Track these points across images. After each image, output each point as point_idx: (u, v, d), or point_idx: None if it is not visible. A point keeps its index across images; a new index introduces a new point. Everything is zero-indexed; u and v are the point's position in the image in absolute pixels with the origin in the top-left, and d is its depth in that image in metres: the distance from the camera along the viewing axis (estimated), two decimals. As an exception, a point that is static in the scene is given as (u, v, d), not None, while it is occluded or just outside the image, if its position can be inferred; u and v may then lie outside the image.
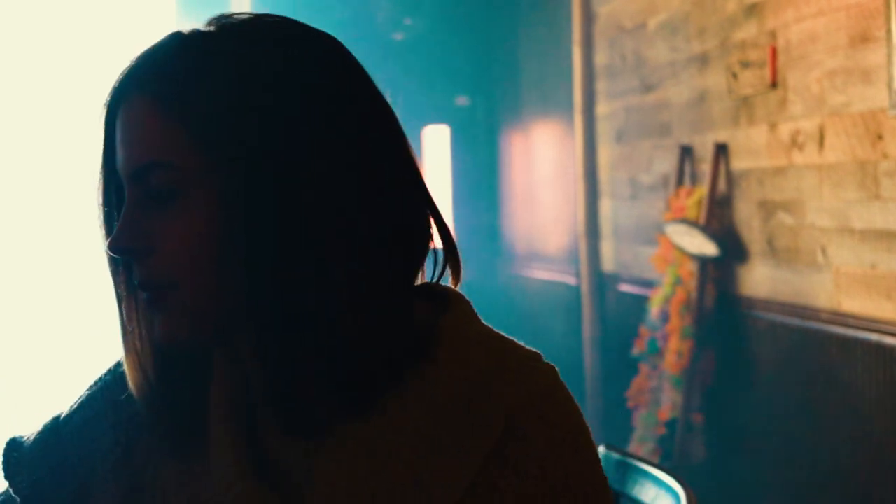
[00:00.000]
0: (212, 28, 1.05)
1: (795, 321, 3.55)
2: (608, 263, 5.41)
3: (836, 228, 3.28)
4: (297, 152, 1.00)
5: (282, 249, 0.99)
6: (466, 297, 1.13)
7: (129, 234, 1.03)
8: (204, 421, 1.09)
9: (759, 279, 3.80)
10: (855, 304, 3.22)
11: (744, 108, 3.84)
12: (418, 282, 1.12)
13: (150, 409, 1.10)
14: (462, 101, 7.17)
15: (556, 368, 1.10)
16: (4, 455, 1.17)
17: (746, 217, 3.87)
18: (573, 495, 1.03)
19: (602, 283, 5.47)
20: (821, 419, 3.42)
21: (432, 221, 1.11)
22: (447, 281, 1.14)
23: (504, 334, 1.11)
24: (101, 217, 1.10)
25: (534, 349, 1.10)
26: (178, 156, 1.01)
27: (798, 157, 3.48)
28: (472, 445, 1.01)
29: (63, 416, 1.19)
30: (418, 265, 1.10)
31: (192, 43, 1.04)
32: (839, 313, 3.29)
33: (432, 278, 1.13)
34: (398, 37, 6.68)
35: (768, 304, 3.73)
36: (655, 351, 4.33)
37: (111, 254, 1.05)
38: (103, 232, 1.09)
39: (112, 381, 1.18)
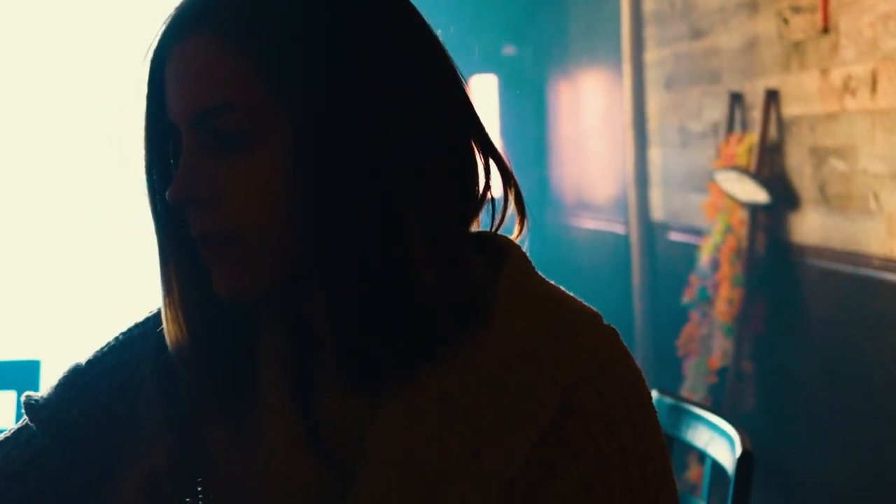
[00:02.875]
0: None
1: (847, 268, 3.52)
2: (657, 212, 5.38)
3: (889, 174, 3.25)
4: (372, 88, 0.96)
5: (354, 197, 0.95)
6: (521, 248, 1.08)
7: (192, 182, 0.97)
8: (249, 381, 1.06)
9: (811, 226, 3.77)
10: (908, 250, 3.19)
11: (795, 53, 3.80)
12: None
13: (188, 367, 1.06)
14: (509, 50, 7.13)
15: (617, 331, 1.04)
16: (26, 401, 1.12)
17: (798, 164, 3.84)
18: (628, 471, 0.99)
19: (651, 231, 5.45)
20: (872, 366, 3.40)
21: (495, 170, 1.07)
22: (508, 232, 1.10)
23: (562, 289, 1.06)
24: (144, 169, 1.04)
25: (593, 308, 1.05)
26: (245, 96, 0.96)
27: (850, 103, 3.44)
28: (528, 421, 0.97)
29: (87, 360, 1.15)
30: (476, 215, 1.07)
31: None
32: (892, 260, 3.26)
33: (491, 227, 1.09)
34: (444, -14, 6.65)
35: (820, 252, 3.70)
36: (706, 299, 4.32)
37: (172, 203, 0.99)
38: (146, 185, 1.04)
39: (154, 328, 1.12)
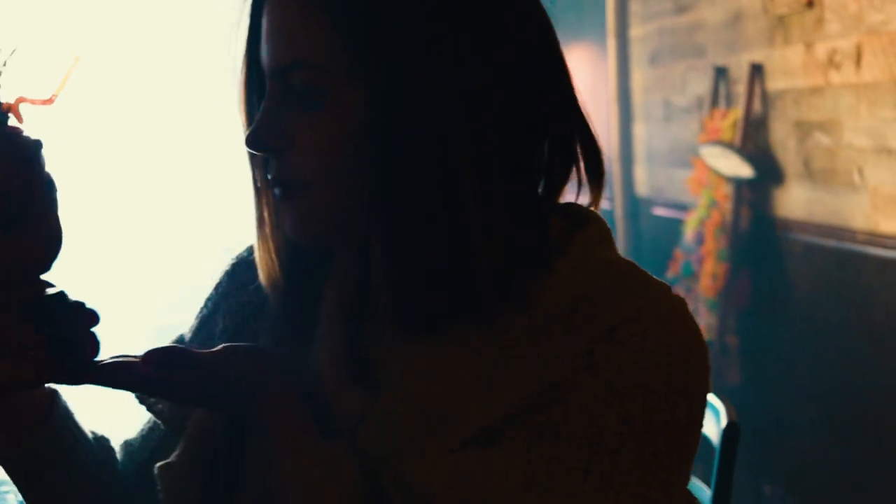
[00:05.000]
0: None
1: (832, 242, 3.53)
2: (642, 187, 5.39)
3: (872, 148, 3.25)
4: (449, 57, 0.97)
5: (415, 161, 0.97)
6: (605, 221, 1.09)
7: (266, 131, 1.03)
8: (315, 315, 1.11)
9: (795, 200, 3.78)
10: (892, 224, 3.19)
11: (779, 27, 3.79)
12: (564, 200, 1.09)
13: (276, 295, 1.13)
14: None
15: (685, 301, 1.02)
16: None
17: (782, 138, 3.84)
18: (634, 410, 0.95)
19: (636, 206, 5.45)
20: (857, 341, 3.41)
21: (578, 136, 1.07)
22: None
23: (636, 263, 1.04)
24: (243, 108, 1.10)
25: (663, 281, 1.03)
26: (322, 56, 0.99)
27: (835, 77, 3.44)
28: (563, 347, 0.97)
29: (186, 332, 1.26)
30: (562, 180, 1.06)
31: None
32: (876, 234, 3.27)
33: (577, 197, 1.10)
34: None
35: (804, 226, 3.71)
36: (690, 274, 4.33)
37: (248, 149, 1.06)
38: (244, 123, 1.10)
39: (237, 265, 1.24)
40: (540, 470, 0.96)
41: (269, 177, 1.06)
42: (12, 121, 0.97)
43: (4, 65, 0.97)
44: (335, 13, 0.98)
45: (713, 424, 1.65)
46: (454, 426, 0.98)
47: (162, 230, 7.92)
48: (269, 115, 1.03)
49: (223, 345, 1.06)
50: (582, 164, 1.08)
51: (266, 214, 1.12)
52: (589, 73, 6.05)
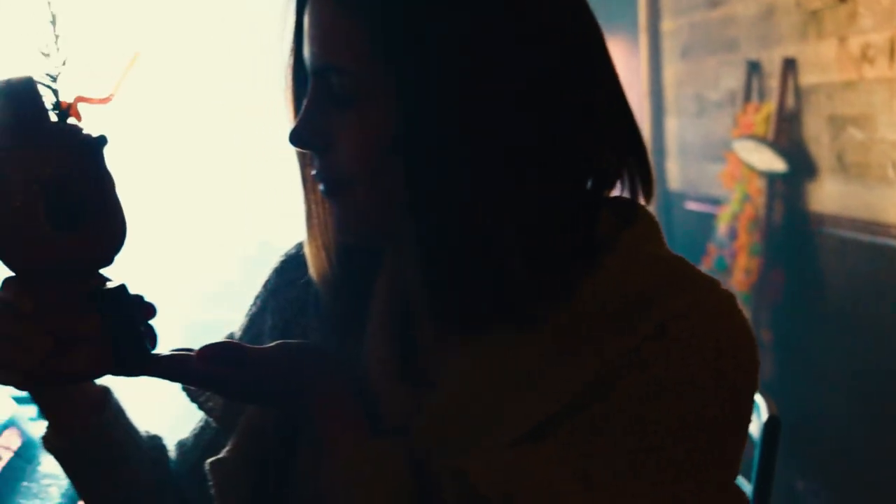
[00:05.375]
0: None
1: (866, 237, 3.52)
2: (675, 182, 5.38)
3: (907, 143, 3.24)
4: (481, 59, 0.97)
5: (448, 165, 0.97)
6: (655, 217, 1.09)
7: (307, 129, 1.05)
8: (365, 314, 1.12)
9: (829, 195, 3.77)
10: (927, 218, 3.19)
11: (812, 21, 3.79)
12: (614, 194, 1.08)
13: (327, 290, 1.15)
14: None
15: (734, 296, 1.02)
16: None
17: (815, 132, 3.83)
18: (683, 406, 0.96)
19: (669, 201, 5.44)
20: (891, 335, 3.40)
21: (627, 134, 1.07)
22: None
23: (686, 259, 1.05)
24: (291, 104, 1.12)
25: (713, 276, 1.03)
26: (355, 61, 1.00)
27: (868, 71, 3.43)
28: (613, 345, 0.97)
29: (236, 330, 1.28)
30: (612, 176, 1.06)
31: None
32: (910, 228, 3.26)
33: (623, 192, 1.09)
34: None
35: (838, 220, 3.70)
36: (723, 268, 4.32)
37: (291, 145, 1.07)
38: (291, 118, 1.11)
39: (286, 262, 1.25)
40: (590, 466, 0.96)
41: (314, 173, 1.08)
42: (71, 120, 0.99)
43: (64, 64, 0.99)
44: (367, 19, 0.99)
45: (754, 418, 1.66)
46: (506, 423, 0.99)
47: (194, 225, 7.94)
48: (311, 113, 1.04)
49: (276, 342, 1.08)
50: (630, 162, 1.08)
51: (314, 211, 1.14)
52: (621, 67, 6.00)
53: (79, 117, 0.99)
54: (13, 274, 0.99)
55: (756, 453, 1.62)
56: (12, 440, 1.89)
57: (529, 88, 0.98)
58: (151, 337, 1.03)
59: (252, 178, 7.57)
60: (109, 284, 1.01)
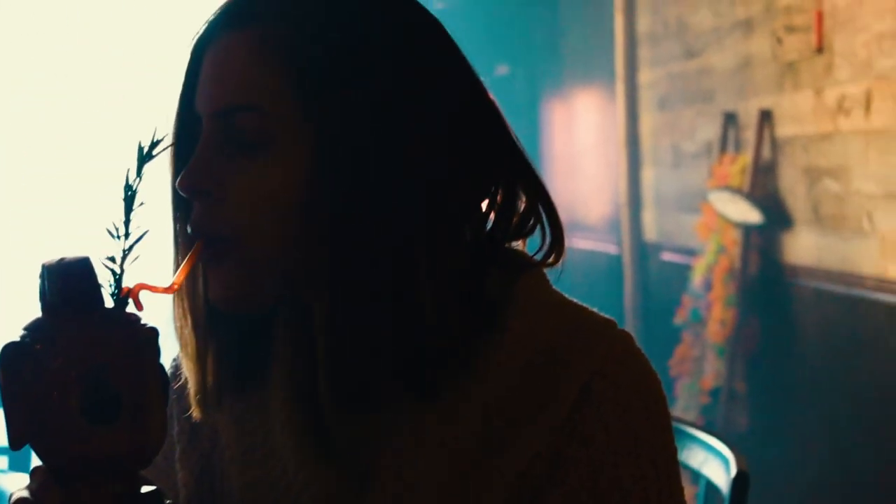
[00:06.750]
0: None
1: (840, 289, 3.51)
2: (650, 232, 5.38)
3: (882, 194, 3.24)
4: (402, 118, 0.95)
5: (367, 219, 0.93)
6: (540, 265, 1.07)
7: (200, 174, 0.97)
8: (262, 388, 1.05)
9: (804, 246, 3.76)
10: (902, 271, 3.18)
11: (788, 73, 3.80)
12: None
13: (193, 369, 1.05)
14: (503, 69, 7.13)
15: (631, 335, 1.03)
16: None
17: (791, 184, 3.83)
18: (640, 462, 0.97)
19: (644, 251, 5.44)
20: (866, 388, 3.38)
21: (525, 192, 1.05)
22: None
23: (577, 301, 1.05)
24: (171, 157, 1.03)
25: (608, 316, 1.04)
26: (271, 101, 0.95)
27: (844, 123, 3.43)
28: (544, 418, 0.97)
29: None
30: (502, 232, 1.04)
31: None
32: (885, 280, 3.25)
33: (537, 254, 1.07)
34: (439, 6, 6.65)
35: (813, 272, 3.69)
36: (698, 319, 4.31)
37: (179, 192, 0.99)
38: (171, 171, 1.03)
39: (179, 365, 1.13)
40: None
41: (192, 228, 0.99)
42: (131, 307, 0.92)
43: (130, 249, 0.91)
44: (284, 56, 0.95)
45: (722, 473, 1.63)
46: None
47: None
48: (204, 157, 0.97)
49: None
50: (544, 217, 1.06)
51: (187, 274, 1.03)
52: (598, 117, 6.06)
53: (139, 306, 0.91)
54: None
55: (725, 508, 1.59)
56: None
57: (450, 133, 0.97)
58: None
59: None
60: (145, 489, 0.92)
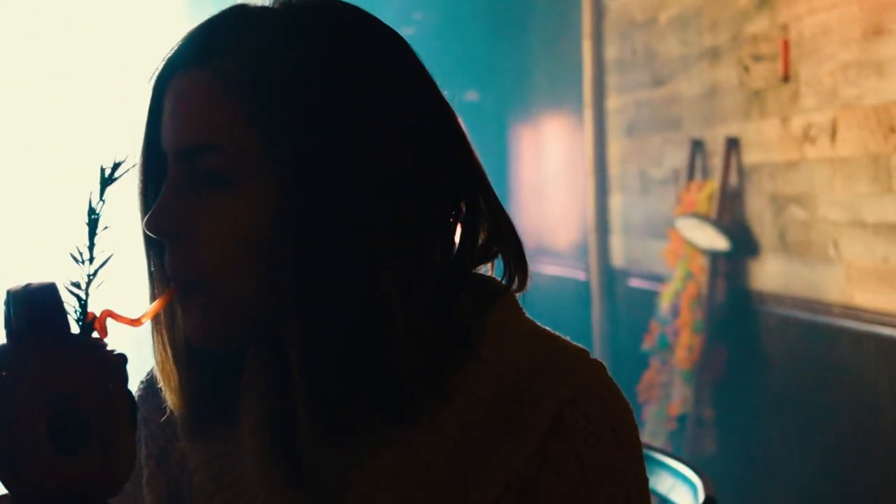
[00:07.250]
0: (277, 6, 0.98)
1: (807, 315, 3.53)
2: (618, 258, 5.39)
3: (847, 222, 3.26)
4: (364, 147, 0.94)
5: (337, 250, 0.93)
6: (511, 292, 1.06)
7: (167, 215, 0.95)
8: (234, 419, 1.04)
9: (771, 273, 3.78)
10: (867, 297, 3.20)
11: (755, 101, 3.82)
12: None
13: (177, 401, 1.05)
14: (471, 95, 7.15)
15: (604, 364, 1.04)
16: None
17: (758, 211, 3.85)
18: (612, 491, 0.98)
19: (612, 278, 5.45)
20: (832, 414, 3.40)
21: (492, 223, 1.05)
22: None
23: (550, 330, 1.06)
24: (139, 194, 1.01)
25: (580, 345, 1.05)
26: (233, 140, 0.94)
27: (810, 151, 3.46)
28: (515, 448, 0.97)
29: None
30: (472, 262, 1.05)
31: (260, 18, 0.97)
32: (851, 307, 3.27)
33: (503, 279, 1.07)
34: (408, 31, 6.65)
35: (780, 299, 3.71)
36: (666, 346, 4.32)
37: (147, 233, 0.98)
38: (141, 208, 1.01)
39: (146, 388, 1.13)
40: None
41: (168, 272, 0.98)
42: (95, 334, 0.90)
43: (95, 273, 0.90)
44: (246, 94, 0.94)
45: (690, 499, 1.63)
46: None
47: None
48: (171, 198, 0.96)
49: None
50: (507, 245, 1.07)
51: (162, 312, 1.02)
52: (565, 144, 6.08)
53: (104, 333, 0.90)
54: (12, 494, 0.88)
55: (693, 534, 1.58)
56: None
57: (415, 158, 0.97)
58: None
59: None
60: None
